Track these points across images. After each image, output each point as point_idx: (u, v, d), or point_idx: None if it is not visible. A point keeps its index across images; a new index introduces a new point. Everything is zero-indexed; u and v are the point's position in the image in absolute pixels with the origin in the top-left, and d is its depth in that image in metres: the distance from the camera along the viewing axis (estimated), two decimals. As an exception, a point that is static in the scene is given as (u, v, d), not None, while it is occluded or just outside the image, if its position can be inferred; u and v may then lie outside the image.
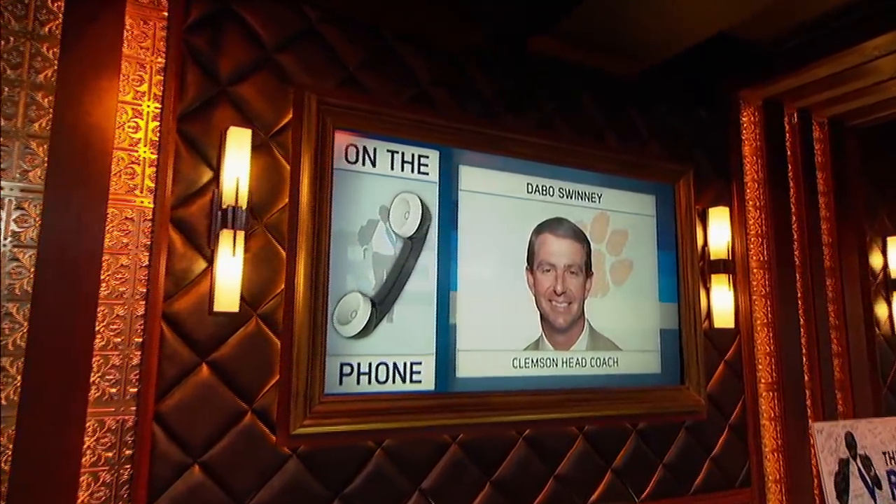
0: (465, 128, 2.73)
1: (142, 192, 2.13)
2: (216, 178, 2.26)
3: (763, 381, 3.41)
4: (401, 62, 2.67)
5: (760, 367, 3.42)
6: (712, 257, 3.31)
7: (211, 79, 2.29)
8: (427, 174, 2.65)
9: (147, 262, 2.12)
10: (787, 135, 3.80)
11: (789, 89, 3.50)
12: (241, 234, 2.22)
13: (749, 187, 3.57)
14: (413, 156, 2.63)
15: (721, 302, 3.26)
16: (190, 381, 2.16)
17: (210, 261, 2.21)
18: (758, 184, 3.60)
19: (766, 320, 3.48)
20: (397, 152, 2.59)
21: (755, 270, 3.50)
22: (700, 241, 3.34)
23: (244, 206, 2.24)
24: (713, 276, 3.29)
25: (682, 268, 3.17)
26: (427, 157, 2.65)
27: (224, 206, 2.22)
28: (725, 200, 3.45)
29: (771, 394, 3.43)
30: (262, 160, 2.36)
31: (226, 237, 2.20)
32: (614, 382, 2.94)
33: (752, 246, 3.52)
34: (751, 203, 3.56)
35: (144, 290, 2.10)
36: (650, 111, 3.28)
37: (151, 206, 2.15)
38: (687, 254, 3.17)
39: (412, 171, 2.62)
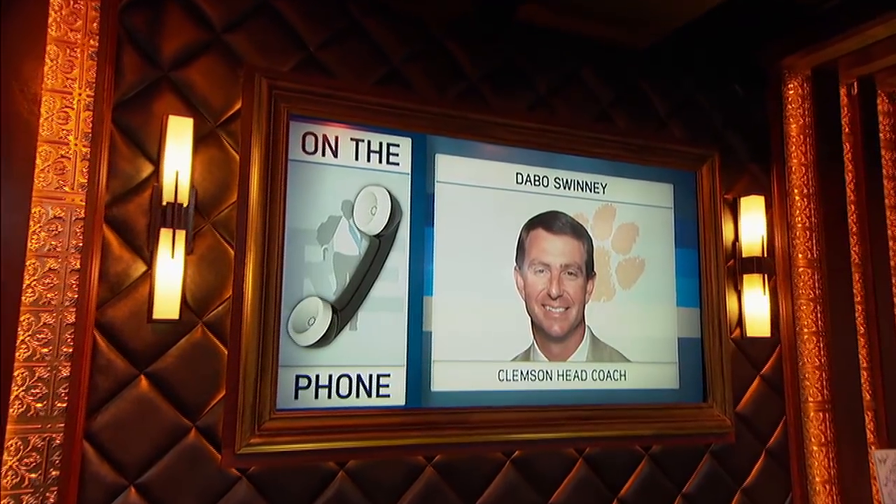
0: (443, 111, 2.68)
1: (72, 189, 2.16)
2: (157, 173, 2.26)
3: (811, 399, 3.22)
4: (368, 38, 2.65)
5: (807, 383, 3.23)
6: (744, 255, 3.14)
7: (151, 63, 2.32)
8: (397, 164, 2.61)
9: (78, 266, 2.13)
10: (845, 109, 3.56)
11: (846, 53, 3.26)
12: (181, 234, 2.23)
13: (794, 172, 3.38)
14: (381, 144, 2.60)
15: (755, 306, 3.10)
16: (126, 395, 2.18)
17: (150, 263, 2.22)
18: (805, 168, 3.40)
19: (814, 328, 3.28)
20: (363, 141, 2.57)
21: (801, 270, 3.30)
22: (730, 236, 3.18)
23: (186, 203, 2.25)
24: (745, 277, 3.13)
25: (705, 267, 3.04)
26: (398, 145, 2.62)
27: (164, 203, 2.21)
28: (762, 188, 3.29)
29: (821, 415, 3.23)
30: (211, 152, 2.37)
31: (165, 237, 2.22)
32: (621, 398, 2.85)
33: (797, 241, 3.33)
34: (797, 191, 3.37)
35: (75, 297, 2.12)
36: (670, 87, 3.16)
37: (83, 203, 2.17)
38: (711, 251, 3.04)
39: (380, 161, 2.59)
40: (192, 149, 2.29)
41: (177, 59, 2.35)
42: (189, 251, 2.27)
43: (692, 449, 2.95)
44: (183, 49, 2.36)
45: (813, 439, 3.20)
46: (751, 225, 3.15)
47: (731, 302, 3.13)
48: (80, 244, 2.16)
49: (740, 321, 3.13)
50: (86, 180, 2.18)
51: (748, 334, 3.11)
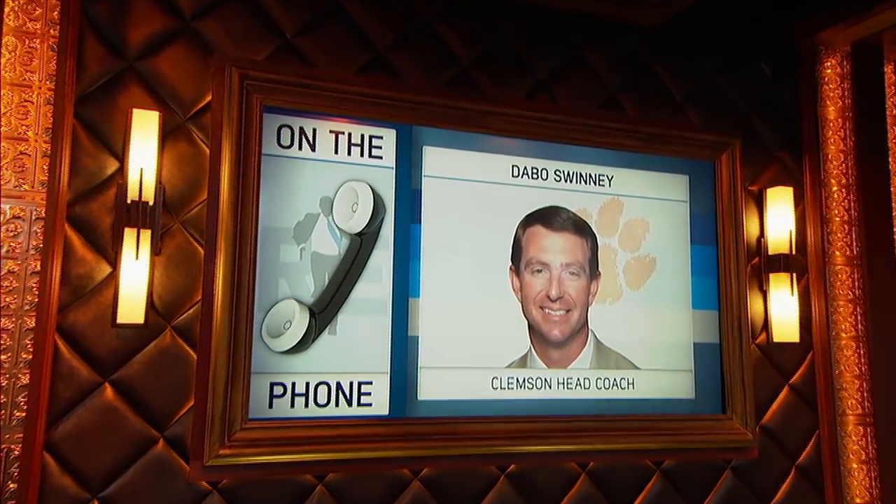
0: (431, 101, 2.62)
1: (33, 187, 2.17)
2: (122, 170, 2.24)
3: (849, 412, 3.07)
4: (351, 23, 2.60)
5: (845, 393, 3.08)
6: (770, 252, 2.99)
7: (115, 53, 2.31)
8: (381, 158, 2.57)
9: (39, 268, 2.13)
10: (892, 89, 3.37)
11: (892, 25, 3.07)
12: (146, 233, 2.23)
13: (832, 161, 3.21)
14: (363, 137, 2.56)
15: (782, 308, 2.96)
16: (89, 403, 2.18)
17: (114, 265, 2.21)
18: (844, 155, 3.22)
19: (854, 332, 3.12)
20: (343, 133, 2.53)
21: (839, 268, 3.14)
22: (755, 232, 3.04)
23: (152, 201, 2.22)
24: (771, 276, 2.98)
25: (725, 266, 2.92)
26: (381, 137, 2.57)
27: (128, 202, 2.20)
28: (792, 179, 3.15)
29: (861, 429, 3.07)
30: (180, 147, 2.35)
31: (129, 237, 2.21)
32: (629, 409, 2.76)
33: (834, 237, 3.17)
34: (834, 181, 3.20)
35: (35, 300, 2.12)
36: (686, 68, 3.04)
37: (44, 202, 2.17)
38: (731, 248, 2.92)
39: (362, 154, 2.55)
40: (158, 144, 2.27)
41: (143, 49, 2.34)
42: (156, 252, 2.26)
43: (710, 465, 2.84)
44: (150, 38, 2.35)
45: (852, 456, 3.05)
46: (778, 219, 3.00)
47: (756, 304, 2.99)
48: (41, 245, 2.16)
49: (766, 325, 2.99)
50: (47, 178, 2.18)
51: (775, 339, 2.97)
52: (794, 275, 2.99)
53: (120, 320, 2.19)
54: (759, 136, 3.11)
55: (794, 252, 3.00)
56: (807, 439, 3.04)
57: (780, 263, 2.99)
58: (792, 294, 2.96)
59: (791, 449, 3.00)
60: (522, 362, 2.65)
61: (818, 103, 3.26)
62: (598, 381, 2.73)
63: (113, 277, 2.22)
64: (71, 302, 2.18)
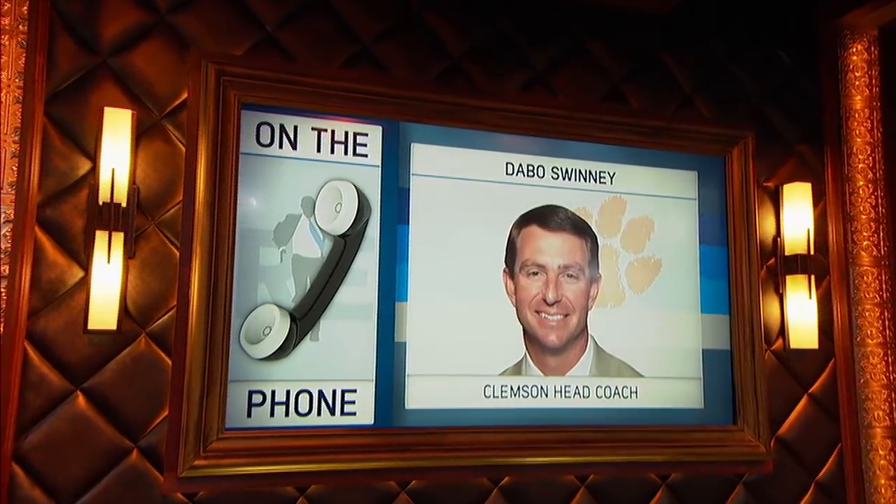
0: (420, 95, 2.54)
1: (1, 189, 2.14)
2: (94, 170, 2.20)
3: (877, 424, 2.92)
4: (335, 15, 2.53)
5: (871, 404, 2.92)
6: (787, 252, 2.83)
7: (88, 49, 2.26)
8: (366, 156, 2.50)
9: (7, 272, 2.10)
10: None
11: (924, 6, 2.90)
12: (119, 236, 2.18)
13: (857, 154, 3.05)
14: (347, 134, 2.49)
15: (800, 313, 2.80)
16: (60, 412, 2.13)
17: (87, 269, 2.16)
18: (871, 148, 3.06)
19: (881, 339, 2.97)
20: (325, 130, 2.46)
21: (865, 269, 2.98)
22: (770, 231, 2.89)
23: (124, 202, 2.19)
24: (788, 279, 2.82)
25: (736, 267, 2.79)
26: (366, 134, 2.50)
27: (99, 203, 2.16)
28: (812, 174, 3.00)
29: (890, 442, 2.91)
30: (156, 146, 2.31)
31: (101, 240, 2.17)
32: (632, 419, 2.65)
33: (860, 236, 3.01)
34: (860, 176, 3.03)
35: (4, 306, 2.10)
36: (697, 57, 2.91)
37: (13, 204, 2.14)
38: (742, 248, 2.79)
39: (346, 153, 2.48)
40: (131, 143, 2.22)
41: (117, 45, 2.29)
42: (130, 255, 2.21)
43: (720, 479, 2.73)
44: (124, 33, 2.30)
45: (879, 472, 2.90)
46: (795, 217, 2.85)
47: (772, 308, 2.86)
48: (10, 248, 2.11)
49: (782, 330, 2.85)
50: (16, 179, 2.14)
51: (792, 346, 2.83)
52: (813, 276, 2.83)
53: (91, 326, 2.14)
54: (776, 129, 2.97)
55: (812, 252, 2.83)
56: (828, 453, 2.89)
57: (798, 264, 2.84)
58: (810, 297, 2.80)
59: (810, 463, 2.86)
60: (517, 369, 2.56)
61: (842, 92, 3.10)
62: (599, 389, 2.62)
63: (85, 282, 2.16)
64: (41, 307, 2.14)
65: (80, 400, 2.16)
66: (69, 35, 2.24)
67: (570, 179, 2.70)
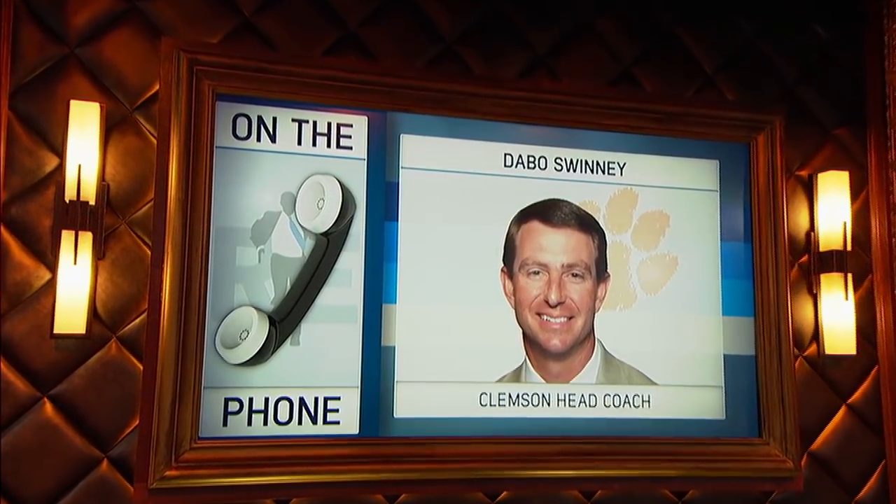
0: (409, 82, 2.41)
1: (-36, 188, 2.06)
2: (62, 167, 2.12)
3: (926, 438, 2.66)
4: (318, -3, 2.38)
5: (922, 417, 2.65)
6: (822, 248, 2.60)
7: (55, 39, 2.19)
8: (350, 148, 2.39)
9: (-29, 275, 2.04)
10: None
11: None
12: (86, 236, 2.10)
13: (904, 139, 2.77)
14: (330, 125, 2.37)
15: (836, 315, 2.57)
16: (26, 421, 2.07)
17: (55, 271, 2.09)
18: (921, 133, 2.77)
19: (933, 345, 2.69)
20: (307, 122, 2.36)
21: (914, 267, 2.71)
22: (804, 225, 2.70)
23: (92, 200, 2.11)
24: (823, 277, 2.59)
25: (762, 265, 2.58)
26: (350, 125, 2.39)
27: (66, 201, 2.08)
28: (854, 160, 2.77)
29: (944, 460, 2.67)
30: (127, 140, 2.24)
31: (67, 240, 2.09)
32: (644, 430, 2.48)
33: (908, 230, 2.73)
34: (907, 163, 2.75)
35: (-33, 309, 2.03)
36: (720, 34, 2.71)
37: (-23, 204, 2.07)
38: (769, 244, 2.58)
39: (328, 145, 2.37)
40: (100, 138, 2.15)
41: (85, 34, 2.21)
42: (100, 255, 2.15)
43: (743, 497, 2.55)
44: (93, 21, 2.21)
45: (933, 494, 2.65)
46: (831, 209, 2.60)
47: (805, 310, 2.66)
48: (-26, 250, 2.04)
49: (816, 334, 2.64)
50: (-21, 177, 2.06)
51: (827, 351, 2.62)
52: (851, 275, 2.58)
53: (58, 330, 2.08)
54: (810, 112, 2.76)
55: (849, 248, 2.58)
56: (870, 470, 2.67)
57: (834, 261, 2.60)
58: (846, 298, 2.55)
59: (849, 481, 2.64)
60: (516, 376, 2.42)
61: (888, 69, 2.85)
62: (607, 398, 2.47)
63: (52, 284, 2.08)
64: (7, 311, 2.07)
65: (48, 408, 2.09)
66: (35, 24, 2.17)
67: (574, 171, 2.54)
